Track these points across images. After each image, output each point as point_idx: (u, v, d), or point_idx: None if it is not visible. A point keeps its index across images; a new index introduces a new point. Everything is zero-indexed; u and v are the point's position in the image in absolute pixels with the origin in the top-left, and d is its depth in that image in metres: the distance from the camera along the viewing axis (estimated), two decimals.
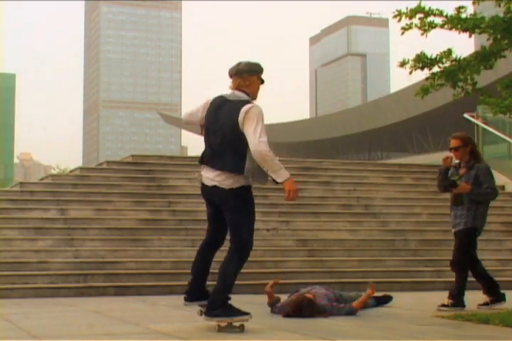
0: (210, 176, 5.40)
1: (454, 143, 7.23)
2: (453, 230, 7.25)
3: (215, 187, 5.38)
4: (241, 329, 5.29)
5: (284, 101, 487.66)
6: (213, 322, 5.34)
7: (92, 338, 5.10)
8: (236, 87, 5.46)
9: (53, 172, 62.20)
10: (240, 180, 5.33)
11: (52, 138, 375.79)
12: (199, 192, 5.73)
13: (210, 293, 5.37)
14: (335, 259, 10.37)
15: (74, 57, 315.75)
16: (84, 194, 11.45)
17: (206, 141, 5.52)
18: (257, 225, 10.82)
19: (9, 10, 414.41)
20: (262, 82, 5.56)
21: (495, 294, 7.21)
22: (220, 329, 5.29)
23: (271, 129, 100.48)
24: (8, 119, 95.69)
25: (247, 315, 5.30)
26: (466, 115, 15.82)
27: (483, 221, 7.20)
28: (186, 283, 5.78)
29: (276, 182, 5.33)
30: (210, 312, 5.26)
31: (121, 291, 8.74)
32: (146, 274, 9.22)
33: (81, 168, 13.40)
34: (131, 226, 10.57)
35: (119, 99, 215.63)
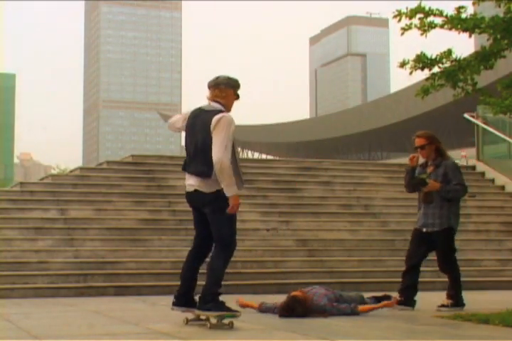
0: (191, 182, 5.74)
1: (418, 141, 7.16)
2: (424, 229, 7.11)
3: (196, 191, 5.69)
4: (230, 326, 5.50)
5: (284, 101, 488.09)
6: (208, 322, 5.55)
7: (92, 338, 5.10)
8: (212, 98, 5.82)
9: (53, 172, 62.19)
10: (216, 184, 5.60)
11: (52, 138, 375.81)
12: None
13: (201, 291, 5.62)
14: (335, 259, 10.37)
15: (74, 57, 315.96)
16: (84, 194, 11.45)
17: (185, 149, 5.89)
18: (257, 225, 10.91)
19: (9, 10, 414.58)
20: (238, 97, 5.91)
21: (407, 296, 7.06)
22: (212, 326, 5.50)
23: (271, 129, 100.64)
24: (8, 119, 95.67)
25: (237, 312, 5.60)
26: (466, 115, 15.81)
27: (457, 219, 7.13)
28: None
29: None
30: (202, 306, 5.55)
31: (121, 291, 8.74)
32: (146, 274, 9.22)
33: (81, 168, 13.40)
34: (131, 226, 10.57)
35: (119, 99, 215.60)
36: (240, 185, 5.69)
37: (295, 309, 6.27)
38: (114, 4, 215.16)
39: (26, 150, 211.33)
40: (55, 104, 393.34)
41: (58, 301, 7.93)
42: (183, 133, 5.95)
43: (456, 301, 6.98)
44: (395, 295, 7.24)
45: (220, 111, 5.67)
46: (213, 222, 5.64)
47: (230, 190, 5.52)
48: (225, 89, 5.77)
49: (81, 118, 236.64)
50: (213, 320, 5.50)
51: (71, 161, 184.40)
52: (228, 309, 5.56)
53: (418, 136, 7.20)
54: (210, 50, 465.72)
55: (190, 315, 5.71)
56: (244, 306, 6.78)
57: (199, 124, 5.70)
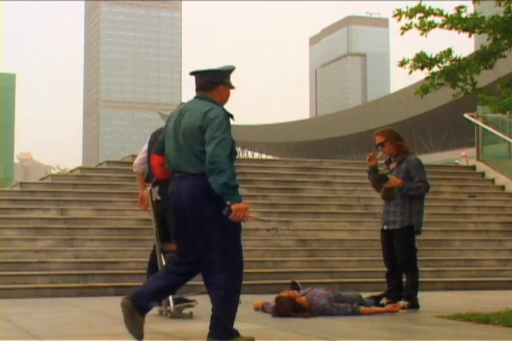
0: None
1: (378, 139, 7.04)
2: (385, 227, 6.94)
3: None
4: (190, 316, 6.17)
5: (284, 101, 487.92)
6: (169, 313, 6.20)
7: (92, 338, 5.09)
8: None
9: (53, 172, 62.15)
10: None
11: (52, 138, 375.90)
12: None
13: None
14: (335, 259, 10.37)
15: (74, 57, 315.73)
16: (84, 194, 11.44)
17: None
18: (257, 225, 10.90)
19: (9, 10, 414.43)
20: None
21: (395, 297, 6.86)
22: (172, 316, 6.13)
23: (271, 129, 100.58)
24: (8, 119, 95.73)
25: (192, 301, 6.34)
26: (466, 115, 15.80)
27: (419, 218, 6.87)
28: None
29: None
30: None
31: (121, 291, 8.71)
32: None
33: (81, 168, 13.40)
34: (131, 226, 10.57)
35: (119, 99, 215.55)
36: None
37: (280, 310, 6.27)
38: (114, 4, 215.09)
39: (26, 150, 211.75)
40: (55, 104, 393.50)
41: (58, 301, 7.93)
42: None
43: (413, 302, 6.74)
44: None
45: None
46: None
47: None
48: None
49: (81, 118, 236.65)
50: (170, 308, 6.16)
51: (71, 161, 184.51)
52: (185, 300, 6.28)
53: (377, 134, 7.09)
54: (210, 50, 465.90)
55: (164, 310, 6.27)
56: (257, 308, 6.84)
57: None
